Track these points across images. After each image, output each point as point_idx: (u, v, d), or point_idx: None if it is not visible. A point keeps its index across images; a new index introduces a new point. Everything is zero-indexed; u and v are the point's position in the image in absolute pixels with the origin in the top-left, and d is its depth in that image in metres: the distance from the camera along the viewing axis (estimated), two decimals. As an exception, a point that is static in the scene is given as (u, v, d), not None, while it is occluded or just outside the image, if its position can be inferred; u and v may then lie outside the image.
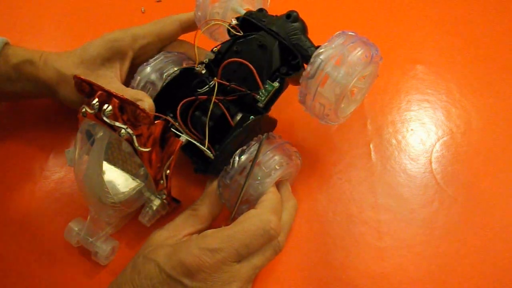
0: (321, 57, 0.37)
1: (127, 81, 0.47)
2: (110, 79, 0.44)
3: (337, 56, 0.36)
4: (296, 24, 0.42)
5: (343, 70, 0.36)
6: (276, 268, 0.41)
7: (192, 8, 0.62)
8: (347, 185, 0.46)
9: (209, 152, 0.38)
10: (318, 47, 0.39)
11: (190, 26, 0.48)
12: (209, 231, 0.35)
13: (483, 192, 0.45)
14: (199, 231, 0.39)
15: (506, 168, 0.46)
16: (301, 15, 0.43)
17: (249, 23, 0.43)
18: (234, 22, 0.43)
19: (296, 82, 0.41)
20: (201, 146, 0.38)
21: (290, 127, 0.49)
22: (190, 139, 0.38)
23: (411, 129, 0.50)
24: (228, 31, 0.43)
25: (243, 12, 0.45)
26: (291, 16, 0.42)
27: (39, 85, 0.44)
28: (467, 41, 0.57)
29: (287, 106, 0.46)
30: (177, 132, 0.40)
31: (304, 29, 0.42)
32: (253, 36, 0.42)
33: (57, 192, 0.47)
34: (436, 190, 0.45)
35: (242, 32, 0.43)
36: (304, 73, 0.38)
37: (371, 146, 0.48)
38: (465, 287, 0.40)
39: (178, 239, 0.37)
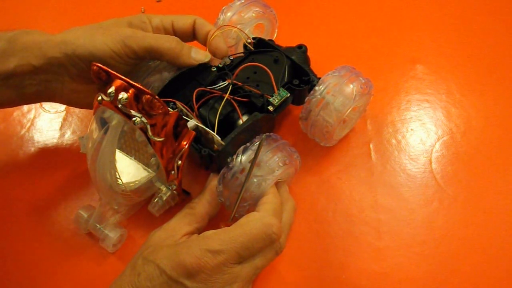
0: (322, 86, 0.42)
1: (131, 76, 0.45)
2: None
3: (336, 87, 0.42)
4: (304, 55, 0.46)
5: (340, 100, 0.42)
6: (276, 268, 0.41)
7: (191, 8, 0.62)
8: (347, 185, 0.46)
9: (218, 138, 0.39)
10: (319, 78, 0.44)
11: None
12: (210, 232, 0.35)
13: (483, 192, 0.45)
14: (196, 230, 0.39)
15: (506, 168, 0.47)
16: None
17: (264, 44, 0.47)
18: (249, 40, 0.47)
19: (299, 102, 0.45)
20: (210, 131, 0.39)
21: (290, 127, 0.49)
22: (198, 124, 0.39)
23: (411, 129, 0.50)
24: (245, 46, 0.47)
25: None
26: (301, 47, 0.46)
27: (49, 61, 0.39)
28: (467, 41, 0.57)
29: (287, 108, 0.46)
30: (186, 118, 0.40)
31: (309, 61, 0.47)
32: (269, 52, 0.46)
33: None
34: (436, 190, 0.45)
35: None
36: (308, 96, 0.43)
37: (371, 146, 0.48)
38: (465, 287, 0.40)
39: (177, 239, 0.37)
